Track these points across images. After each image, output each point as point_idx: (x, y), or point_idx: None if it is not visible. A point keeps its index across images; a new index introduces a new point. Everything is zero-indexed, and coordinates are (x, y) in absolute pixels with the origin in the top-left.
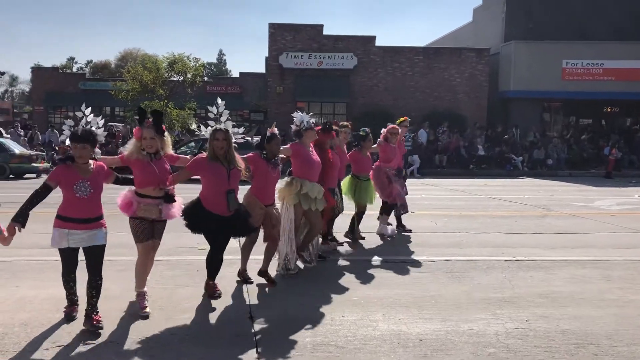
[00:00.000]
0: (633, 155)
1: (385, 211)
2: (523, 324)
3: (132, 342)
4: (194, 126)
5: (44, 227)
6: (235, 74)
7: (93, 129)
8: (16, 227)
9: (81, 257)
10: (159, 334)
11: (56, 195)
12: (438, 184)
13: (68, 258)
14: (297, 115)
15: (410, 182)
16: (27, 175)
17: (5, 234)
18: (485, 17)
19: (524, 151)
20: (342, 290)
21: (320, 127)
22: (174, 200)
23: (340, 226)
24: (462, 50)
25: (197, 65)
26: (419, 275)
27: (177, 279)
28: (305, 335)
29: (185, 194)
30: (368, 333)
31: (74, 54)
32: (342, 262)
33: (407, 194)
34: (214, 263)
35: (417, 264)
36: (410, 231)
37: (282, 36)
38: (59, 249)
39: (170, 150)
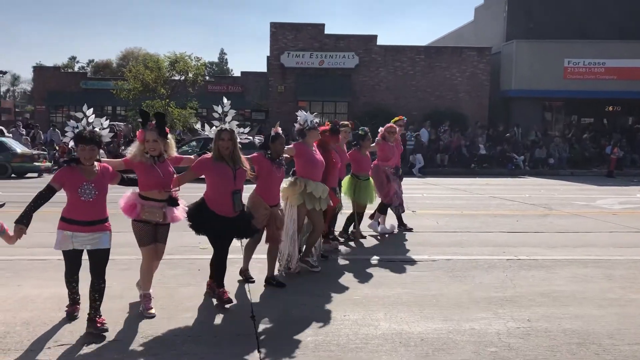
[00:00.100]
0: (635, 154)
1: (381, 210)
2: (525, 323)
3: (134, 341)
4: (198, 125)
5: (46, 226)
6: (236, 73)
7: (97, 129)
8: (23, 230)
9: (84, 256)
10: (161, 333)
11: (61, 195)
12: (439, 183)
13: (72, 259)
14: (302, 115)
15: (411, 181)
16: (28, 175)
17: (10, 233)
18: (487, 16)
19: (525, 150)
20: (344, 289)
21: (328, 128)
22: (178, 204)
23: (340, 225)
24: (464, 50)
25: (199, 64)
26: (421, 274)
27: (179, 278)
28: (307, 334)
29: (191, 193)
30: (369, 332)
31: (76, 53)
32: (343, 262)
33: (402, 193)
34: (221, 268)
35: (418, 263)
36: (411, 230)
37: (284, 35)
38: (63, 251)
39: (174, 153)
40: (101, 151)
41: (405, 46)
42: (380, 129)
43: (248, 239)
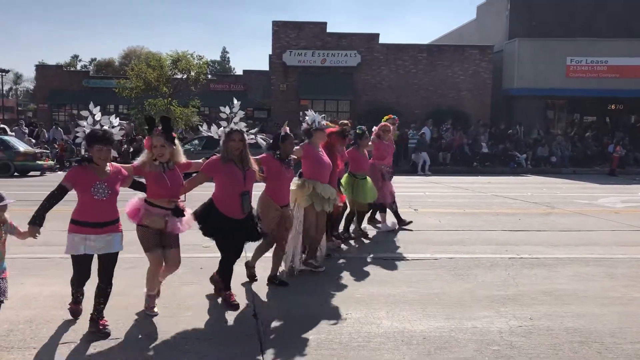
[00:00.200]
0: (637, 153)
1: (380, 210)
2: (527, 322)
3: (136, 339)
4: (204, 127)
5: (49, 225)
6: (238, 71)
7: (106, 127)
8: (36, 229)
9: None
10: (163, 331)
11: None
12: (441, 182)
13: (82, 265)
14: (310, 115)
15: (413, 180)
16: (31, 173)
17: (20, 230)
18: (489, 14)
19: (527, 149)
20: (346, 288)
21: (337, 132)
22: (183, 214)
23: (340, 225)
24: (466, 48)
25: (201, 63)
26: (423, 272)
27: (182, 277)
28: (309, 332)
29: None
30: (372, 330)
31: (78, 52)
32: (345, 260)
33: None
34: (228, 272)
35: (420, 261)
36: (411, 222)
37: (286, 34)
38: (72, 256)
39: (183, 159)
40: (114, 151)
41: (407, 44)
42: (375, 128)
43: (262, 242)
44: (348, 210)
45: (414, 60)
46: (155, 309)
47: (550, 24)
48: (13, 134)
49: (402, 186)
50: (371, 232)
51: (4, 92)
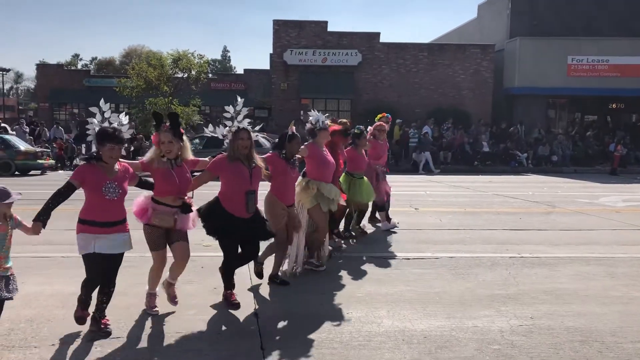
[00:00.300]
0: (638, 152)
1: (379, 209)
2: (527, 321)
3: (137, 338)
4: (210, 128)
5: (51, 224)
6: (239, 70)
7: (115, 124)
8: (39, 226)
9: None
10: (164, 330)
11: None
12: (442, 181)
13: (94, 264)
14: (313, 114)
15: (414, 179)
16: (32, 172)
17: (25, 224)
18: (490, 13)
19: (528, 148)
20: (346, 286)
21: (340, 130)
22: (191, 210)
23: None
24: (467, 47)
25: (202, 62)
26: (423, 272)
27: (182, 276)
28: (310, 331)
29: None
30: (372, 329)
31: (79, 51)
32: (345, 259)
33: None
34: (230, 272)
35: (421, 260)
36: (397, 225)
37: (287, 33)
38: (84, 255)
39: (190, 155)
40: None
41: (408, 43)
42: (370, 128)
43: (273, 242)
44: (347, 209)
45: (414, 59)
46: (157, 309)
47: (551, 23)
48: (14, 133)
49: (403, 185)
50: (370, 230)
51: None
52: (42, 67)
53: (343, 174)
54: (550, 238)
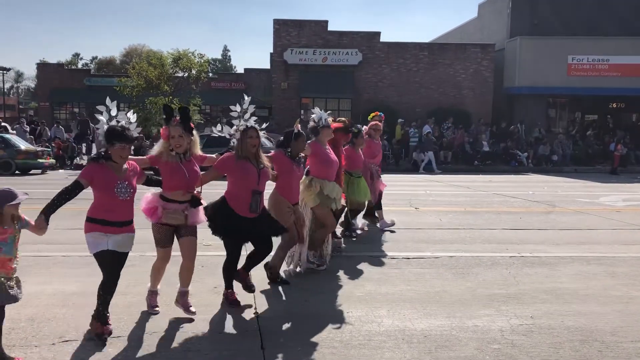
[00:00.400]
0: (639, 151)
1: (375, 207)
2: (528, 320)
3: (138, 337)
4: (217, 127)
5: (52, 223)
6: (240, 70)
7: (123, 123)
8: (42, 220)
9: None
10: (165, 329)
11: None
12: (442, 180)
13: (109, 261)
14: (316, 112)
15: (415, 178)
16: (32, 171)
17: (32, 222)
18: (491, 12)
19: (529, 147)
20: (346, 286)
21: (341, 127)
22: (201, 203)
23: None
24: (467, 46)
25: (202, 61)
26: (424, 271)
27: None
28: (310, 331)
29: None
30: (372, 329)
31: (79, 50)
32: (346, 259)
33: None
34: (232, 271)
35: (421, 260)
36: (380, 219)
37: (287, 32)
38: (96, 254)
39: (199, 151)
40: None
41: (408, 43)
42: (365, 127)
43: (282, 240)
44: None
45: (415, 58)
46: (158, 308)
47: (552, 23)
48: (14, 132)
49: (404, 184)
50: (370, 229)
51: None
52: (42, 67)
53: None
54: (551, 237)
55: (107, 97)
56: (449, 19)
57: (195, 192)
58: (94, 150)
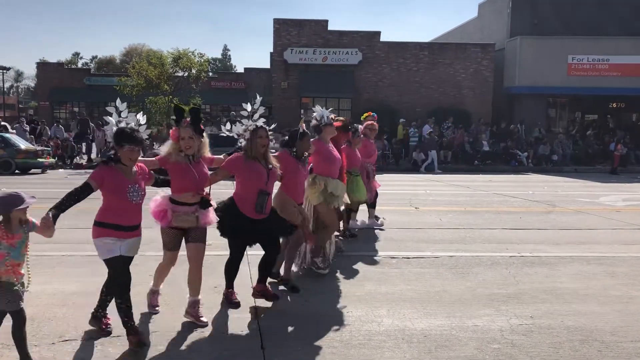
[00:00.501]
0: (639, 151)
1: (369, 206)
2: (527, 320)
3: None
4: (227, 126)
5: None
6: (240, 69)
7: (132, 125)
8: (48, 219)
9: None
10: (165, 328)
11: (67, 191)
12: (442, 180)
13: (122, 267)
14: (317, 110)
15: (415, 178)
16: (32, 171)
17: (37, 222)
18: (491, 12)
19: (529, 147)
20: (346, 286)
21: (340, 125)
22: (211, 204)
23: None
24: (467, 46)
25: (202, 60)
26: (423, 271)
27: (183, 275)
28: (310, 330)
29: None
30: (372, 328)
31: (79, 49)
32: (345, 258)
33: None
34: (233, 271)
35: (421, 259)
36: (383, 218)
37: (287, 31)
38: (108, 260)
39: (208, 153)
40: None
41: (408, 42)
42: (360, 127)
43: (291, 242)
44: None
45: (415, 58)
46: (158, 308)
47: (552, 22)
48: (14, 131)
49: (404, 184)
50: (370, 229)
51: (5, 89)
52: (42, 66)
53: None
54: (551, 237)
55: (118, 99)
56: (449, 19)
57: (204, 193)
58: (94, 150)
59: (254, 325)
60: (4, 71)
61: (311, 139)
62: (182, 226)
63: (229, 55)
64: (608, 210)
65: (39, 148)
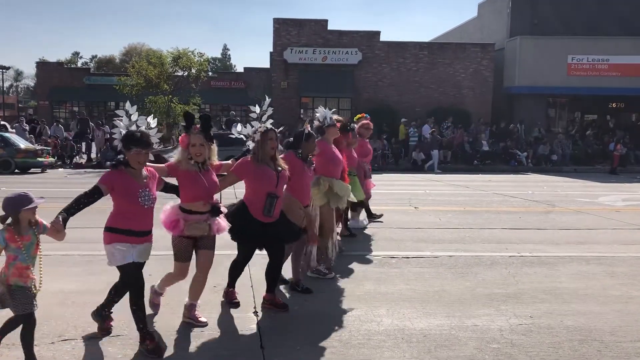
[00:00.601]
0: (638, 151)
1: (357, 206)
2: (527, 320)
3: (137, 336)
4: (238, 127)
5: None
6: (239, 69)
7: (143, 128)
8: (60, 222)
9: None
10: (165, 328)
11: (58, 191)
12: (442, 179)
13: (134, 273)
14: (320, 111)
15: (414, 178)
16: (32, 170)
17: (49, 226)
18: (491, 12)
19: (528, 147)
20: (346, 285)
21: (340, 126)
22: (222, 212)
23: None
24: (467, 46)
25: (202, 60)
26: (423, 270)
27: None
28: (309, 330)
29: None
30: (372, 328)
31: (79, 49)
32: (345, 258)
33: None
34: (238, 272)
35: (420, 259)
36: (381, 215)
37: (287, 31)
38: (122, 267)
39: (217, 160)
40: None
41: (408, 42)
42: (355, 126)
43: (295, 246)
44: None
45: (415, 58)
46: (159, 307)
47: (552, 22)
48: (14, 130)
49: (404, 184)
50: (370, 229)
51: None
52: (42, 65)
53: None
54: (550, 237)
55: (127, 102)
56: (449, 19)
57: (214, 200)
58: (94, 149)
59: (254, 325)
60: (4, 70)
61: (316, 140)
62: (194, 235)
63: (229, 55)
64: (607, 210)
65: (38, 147)
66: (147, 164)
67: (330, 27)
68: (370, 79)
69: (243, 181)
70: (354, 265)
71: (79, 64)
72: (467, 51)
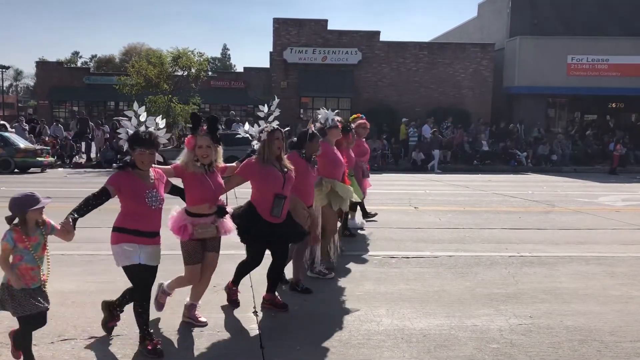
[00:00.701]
0: (638, 151)
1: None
2: (527, 320)
3: (137, 336)
4: (246, 126)
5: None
6: (239, 68)
7: (151, 129)
8: (69, 223)
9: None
10: (165, 327)
11: (61, 191)
12: (442, 179)
13: (140, 275)
14: (322, 113)
15: (414, 178)
16: (31, 170)
17: (58, 227)
18: (490, 12)
19: (528, 147)
20: (345, 285)
21: (341, 127)
22: (227, 212)
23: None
24: (467, 46)
25: (202, 60)
26: (423, 270)
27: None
28: (309, 330)
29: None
30: (372, 328)
31: (79, 48)
32: (345, 258)
33: None
34: (245, 272)
35: (420, 259)
36: (376, 214)
37: (287, 31)
38: (127, 267)
39: (222, 162)
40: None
41: (408, 42)
42: (353, 126)
43: (297, 247)
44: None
45: (415, 58)
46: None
47: (551, 22)
48: (13, 130)
49: (403, 184)
50: (369, 229)
51: (4, 88)
52: (41, 65)
53: None
54: (550, 237)
55: (135, 103)
56: (449, 19)
57: (220, 202)
58: (93, 149)
59: (254, 325)
60: (4, 70)
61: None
62: (204, 237)
63: (229, 55)
64: (607, 210)
65: (38, 147)
66: (155, 165)
67: (330, 27)
68: (370, 79)
69: (248, 182)
70: (354, 265)
71: (79, 64)
72: (467, 51)
